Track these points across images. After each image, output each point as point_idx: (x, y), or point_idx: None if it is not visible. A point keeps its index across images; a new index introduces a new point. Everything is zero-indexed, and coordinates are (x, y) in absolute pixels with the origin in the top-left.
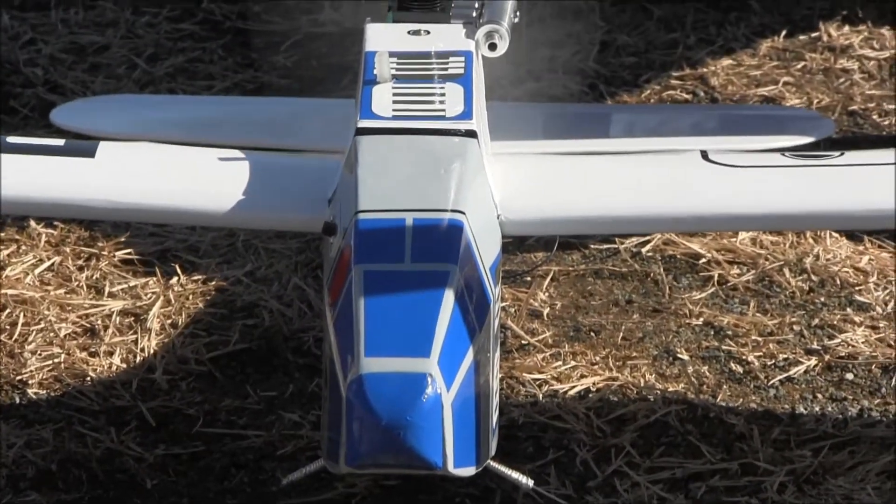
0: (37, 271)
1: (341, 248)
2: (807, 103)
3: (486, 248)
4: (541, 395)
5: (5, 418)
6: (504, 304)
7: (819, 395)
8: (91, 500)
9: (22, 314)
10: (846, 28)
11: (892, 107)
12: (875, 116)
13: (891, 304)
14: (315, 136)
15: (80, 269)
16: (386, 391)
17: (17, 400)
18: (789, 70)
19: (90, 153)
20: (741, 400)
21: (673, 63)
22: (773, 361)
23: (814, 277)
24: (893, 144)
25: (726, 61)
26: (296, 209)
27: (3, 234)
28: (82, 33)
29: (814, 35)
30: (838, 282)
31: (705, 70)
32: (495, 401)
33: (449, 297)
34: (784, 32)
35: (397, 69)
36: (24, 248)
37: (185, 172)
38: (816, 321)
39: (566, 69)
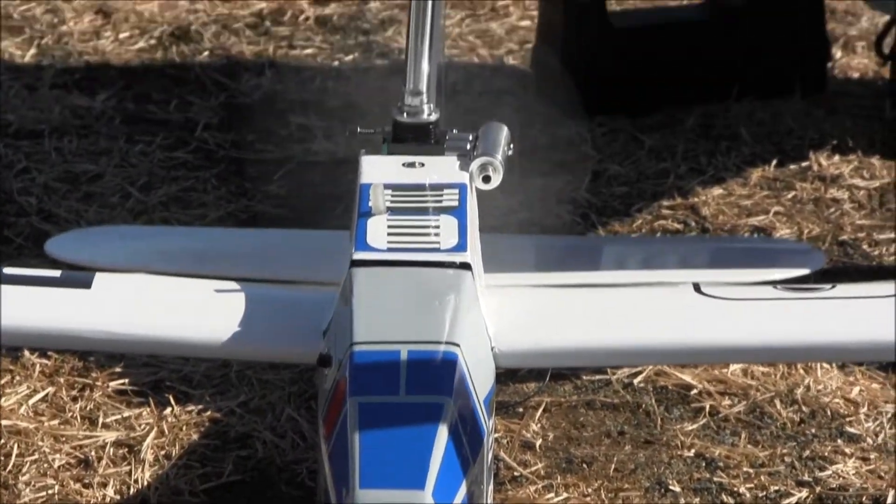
0: (31, 402)
1: (336, 380)
2: (797, 233)
3: (480, 381)
4: None
5: None
6: (497, 434)
7: None
8: None
9: (16, 445)
10: (836, 158)
11: (883, 237)
12: (865, 246)
13: (881, 436)
14: (310, 267)
15: (74, 399)
16: None
17: None
18: (780, 200)
19: (87, 284)
20: None
21: (664, 192)
22: (765, 493)
23: (804, 408)
24: (884, 275)
25: (717, 191)
26: (291, 341)
27: None
28: (76, 162)
29: (804, 165)
30: (829, 413)
31: (696, 200)
32: None
33: (443, 430)
34: (775, 162)
35: (392, 201)
36: (17, 378)
37: (181, 304)
38: (808, 452)
39: (558, 199)
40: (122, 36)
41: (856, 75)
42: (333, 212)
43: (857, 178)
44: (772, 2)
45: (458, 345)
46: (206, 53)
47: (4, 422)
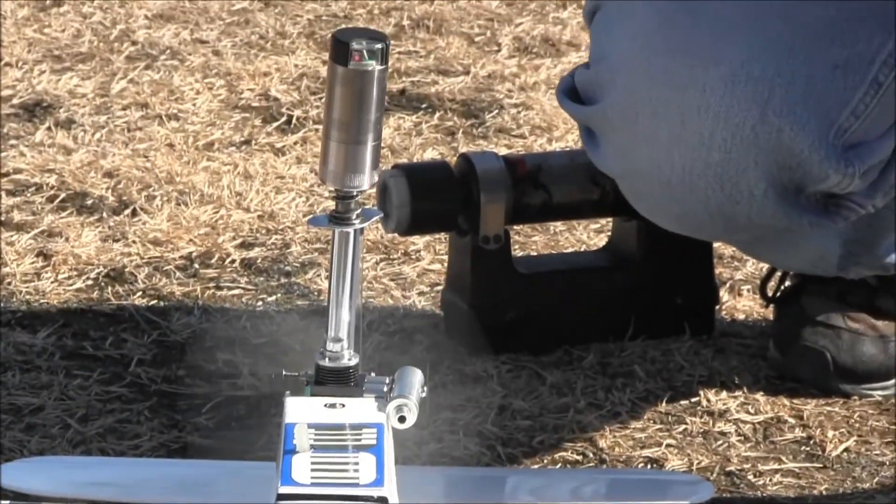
0: None
1: None
2: (688, 464)
3: None
4: None
5: None
6: None
7: None
8: None
9: None
10: (724, 393)
11: (766, 468)
12: (750, 477)
13: None
14: (237, 497)
15: None
16: None
17: None
18: (671, 433)
19: None
20: None
21: (564, 426)
22: None
23: None
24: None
25: (613, 424)
26: None
27: None
28: (18, 395)
29: (694, 400)
30: None
31: (594, 433)
32: None
33: None
34: (666, 397)
35: (315, 439)
36: None
37: None
38: None
39: (466, 431)
40: (60, 277)
41: (741, 317)
42: (258, 443)
43: (743, 413)
44: (665, 250)
45: None
46: (138, 294)
47: None
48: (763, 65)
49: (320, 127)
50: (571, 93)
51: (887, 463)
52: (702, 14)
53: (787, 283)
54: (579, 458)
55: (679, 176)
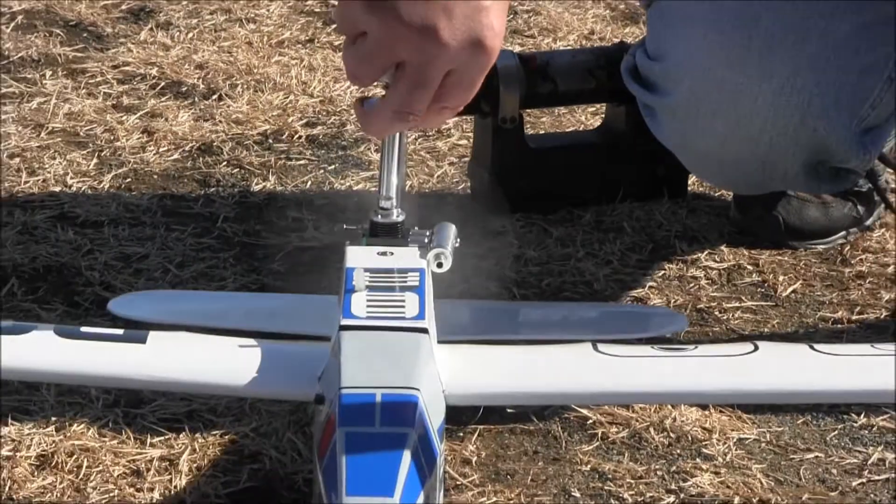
0: (96, 426)
1: (328, 415)
2: (666, 302)
3: (434, 415)
4: None
5: None
6: (445, 454)
7: None
8: None
9: (85, 459)
10: (694, 245)
11: (730, 305)
12: (716, 313)
13: (729, 455)
14: (307, 324)
15: (129, 424)
16: None
17: None
18: (652, 276)
19: (143, 340)
20: None
21: (567, 271)
22: (643, 498)
23: (672, 435)
24: (731, 335)
25: (606, 270)
26: (293, 384)
27: (69, 399)
28: (128, 245)
29: (670, 250)
30: (690, 438)
31: (590, 277)
32: None
33: (407, 453)
34: (649, 249)
35: (370, 281)
36: (86, 409)
37: (211, 355)
38: (674, 468)
39: (488, 276)
40: (161, 150)
41: (708, 185)
42: (322, 284)
43: (710, 261)
44: (648, 130)
45: (418, 389)
46: (224, 163)
47: (76, 441)
48: (805, 79)
49: None
50: (634, 72)
51: (826, 302)
52: (754, 30)
53: None
54: (578, 296)
55: (730, 161)
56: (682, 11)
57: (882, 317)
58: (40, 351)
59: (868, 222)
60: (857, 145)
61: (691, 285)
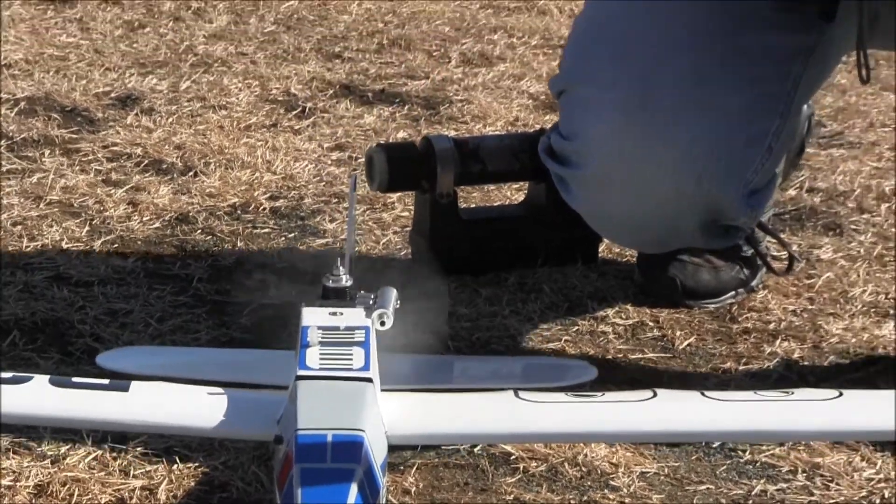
0: (86, 461)
1: (286, 452)
2: (579, 354)
3: (378, 452)
4: None
5: None
6: (387, 485)
7: None
8: None
9: (76, 489)
10: (604, 304)
11: (633, 357)
12: (622, 364)
13: (632, 487)
14: (268, 375)
15: (115, 459)
16: None
17: None
18: (568, 332)
19: (125, 389)
20: None
21: (494, 327)
22: None
23: (584, 469)
24: (636, 385)
25: (528, 326)
26: (256, 427)
27: (63, 437)
28: (115, 302)
29: (583, 309)
30: (599, 472)
31: (515, 332)
32: None
33: (354, 486)
34: (565, 307)
35: (322, 337)
36: (77, 445)
37: (183, 402)
38: (585, 498)
39: (426, 331)
40: (144, 219)
41: (616, 251)
42: (282, 337)
43: (617, 318)
44: (564, 204)
45: (363, 430)
46: (198, 231)
47: (69, 473)
48: (702, 147)
49: (326, 115)
50: (549, 151)
51: (717, 354)
52: (654, 106)
53: None
54: (503, 348)
55: (637, 223)
56: (591, 97)
57: (765, 367)
58: (37, 400)
59: (753, 283)
60: (745, 205)
61: (600, 339)
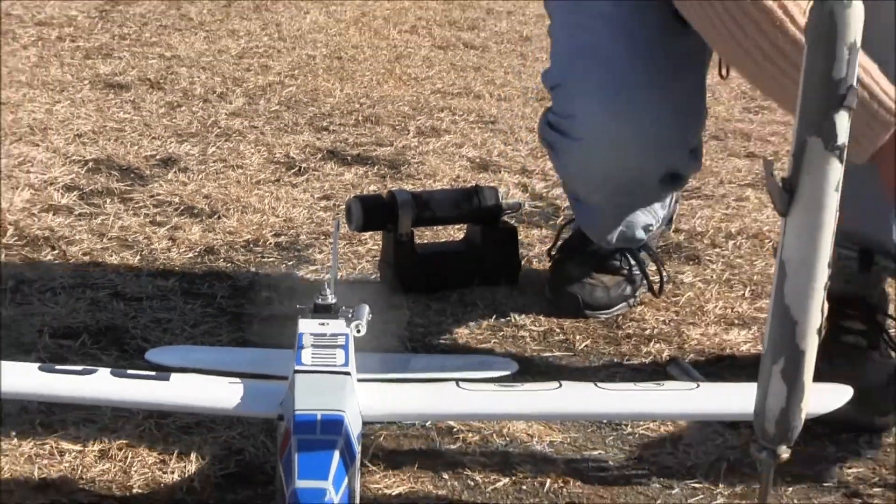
0: (137, 431)
1: (286, 427)
2: (504, 352)
3: (354, 427)
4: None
5: None
6: (361, 451)
7: None
8: None
9: (129, 452)
10: (522, 315)
11: (545, 355)
12: (536, 361)
13: (543, 451)
14: (273, 369)
15: (158, 430)
16: (306, 495)
17: None
18: (495, 336)
19: (167, 379)
20: None
21: (440, 332)
22: (489, 479)
23: (507, 438)
24: (548, 378)
25: (465, 331)
26: (264, 407)
27: (119, 413)
28: (159, 313)
29: (506, 318)
30: (519, 440)
31: (455, 335)
32: (356, 500)
33: (337, 452)
34: (493, 317)
35: (313, 342)
36: (130, 419)
37: (210, 389)
38: (509, 461)
39: (390, 336)
40: (181, 251)
41: (533, 274)
42: (283, 338)
43: (533, 326)
44: (492, 241)
45: (344, 411)
46: (221, 260)
47: (124, 440)
48: (660, 123)
49: (316, 173)
50: (549, 125)
51: (607, 353)
52: (624, 96)
53: (557, 256)
54: (447, 349)
55: (613, 180)
56: (579, 90)
57: (641, 363)
58: (100, 386)
59: (634, 300)
60: (690, 159)
61: (520, 342)
